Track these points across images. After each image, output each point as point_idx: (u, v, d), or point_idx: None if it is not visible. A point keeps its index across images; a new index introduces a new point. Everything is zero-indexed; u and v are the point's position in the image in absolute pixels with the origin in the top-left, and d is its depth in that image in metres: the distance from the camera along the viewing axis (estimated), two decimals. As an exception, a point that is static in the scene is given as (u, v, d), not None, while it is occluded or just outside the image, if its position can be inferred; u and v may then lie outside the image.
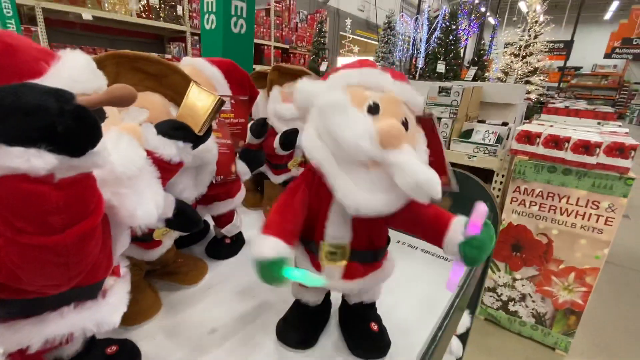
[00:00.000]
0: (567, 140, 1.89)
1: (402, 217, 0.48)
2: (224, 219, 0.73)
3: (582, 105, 3.46)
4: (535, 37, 6.16)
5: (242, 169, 0.76)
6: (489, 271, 2.30)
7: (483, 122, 2.66)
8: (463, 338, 0.81)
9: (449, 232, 0.48)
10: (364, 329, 0.54)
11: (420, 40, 6.92)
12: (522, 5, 11.33)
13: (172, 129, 0.42)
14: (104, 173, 0.28)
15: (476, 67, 5.08)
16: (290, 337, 0.53)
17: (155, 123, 0.42)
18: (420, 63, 6.64)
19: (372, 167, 0.43)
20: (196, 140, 0.45)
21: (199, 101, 0.44)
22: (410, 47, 7.67)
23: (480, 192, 0.66)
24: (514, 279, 2.22)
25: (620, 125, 2.60)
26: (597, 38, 20.34)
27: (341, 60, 10.57)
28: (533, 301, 2.18)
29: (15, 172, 0.21)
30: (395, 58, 7.76)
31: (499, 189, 2.29)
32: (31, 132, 0.20)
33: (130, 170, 0.31)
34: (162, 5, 4.50)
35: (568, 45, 13.25)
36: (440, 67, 5.19)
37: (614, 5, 17.96)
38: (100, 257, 0.32)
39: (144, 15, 4.24)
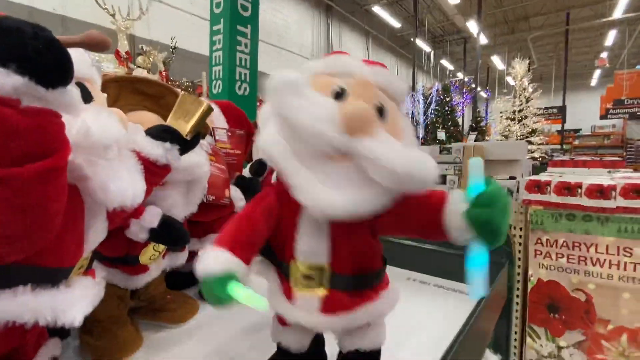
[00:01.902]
0: (579, 185, 1.85)
1: (390, 219, 0.40)
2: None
3: (588, 156, 3.46)
4: (527, 101, 6.56)
5: (236, 195, 0.75)
6: (529, 339, 2.03)
7: (490, 178, 2.67)
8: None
9: (447, 207, 0.39)
10: None
11: (418, 113, 7.44)
12: (510, 80, 12.33)
13: (160, 131, 0.44)
14: (78, 137, 0.29)
15: (476, 132, 5.29)
16: None
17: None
18: (421, 133, 7.02)
19: (340, 160, 0.37)
20: (184, 144, 0.46)
21: (188, 107, 0.47)
22: (410, 120, 8.21)
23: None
24: (559, 347, 1.94)
25: (633, 171, 2.55)
26: (589, 101, 21.44)
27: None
28: (588, 374, 1.86)
29: None
30: (396, 130, 8.23)
31: (519, 243, 2.17)
32: (3, 49, 0.22)
33: (105, 139, 0.31)
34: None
35: (562, 110, 13.97)
36: (441, 135, 5.44)
37: (596, 73, 19.39)
38: (68, 238, 0.30)
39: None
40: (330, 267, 0.40)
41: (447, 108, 6.17)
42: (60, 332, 0.41)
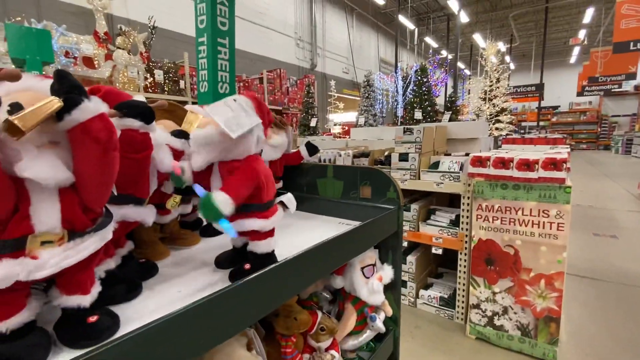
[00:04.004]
0: (511, 160, 2.21)
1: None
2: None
3: (535, 134, 3.85)
4: (498, 81, 6.92)
5: None
6: (471, 288, 2.46)
7: (449, 155, 3.01)
8: (395, 294, 1.01)
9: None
10: (239, 266, 0.72)
11: (397, 93, 7.72)
12: (494, 58, 12.58)
13: (179, 134, 0.75)
14: (153, 141, 0.59)
15: (450, 112, 5.62)
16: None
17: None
18: (400, 112, 7.32)
19: None
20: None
21: (192, 119, 0.77)
22: (390, 100, 8.49)
23: (386, 180, 0.93)
24: (494, 293, 2.37)
25: (568, 147, 2.94)
26: (568, 79, 21.94)
27: (330, 117, 11.54)
28: (515, 313, 2.30)
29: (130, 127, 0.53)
30: (376, 110, 8.57)
31: (467, 210, 2.54)
32: (135, 111, 0.52)
33: (161, 140, 0.62)
34: (167, 81, 5.20)
35: (539, 87, 14.43)
36: (418, 115, 5.75)
37: (576, 51, 19.74)
38: (145, 184, 0.62)
39: (151, 90, 4.90)
40: None
41: (424, 88, 6.47)
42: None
